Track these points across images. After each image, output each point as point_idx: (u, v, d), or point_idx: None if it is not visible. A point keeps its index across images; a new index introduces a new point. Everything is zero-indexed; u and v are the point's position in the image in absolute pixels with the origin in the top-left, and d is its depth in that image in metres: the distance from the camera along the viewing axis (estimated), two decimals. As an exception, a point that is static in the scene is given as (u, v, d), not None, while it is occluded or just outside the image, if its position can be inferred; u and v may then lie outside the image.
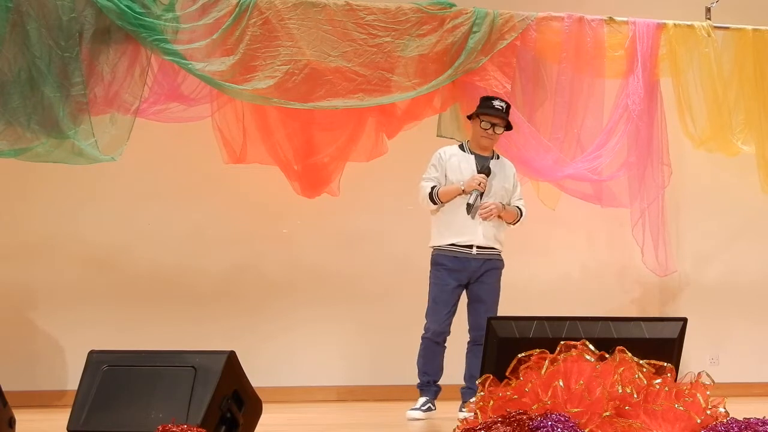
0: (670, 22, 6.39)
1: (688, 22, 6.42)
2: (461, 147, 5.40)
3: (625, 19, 6.34)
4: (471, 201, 5.12)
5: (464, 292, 5.31)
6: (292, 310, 6.43)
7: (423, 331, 5.26)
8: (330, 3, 5.92)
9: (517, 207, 5.38)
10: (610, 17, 6.33)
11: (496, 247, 5.26)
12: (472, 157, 5.30)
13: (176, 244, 6.35)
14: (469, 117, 5.41)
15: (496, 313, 5.21)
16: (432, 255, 5.30)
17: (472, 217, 5.16)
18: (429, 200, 5.23)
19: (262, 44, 5.78)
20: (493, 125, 5.27)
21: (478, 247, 5.20)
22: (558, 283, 6.73)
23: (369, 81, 5.90)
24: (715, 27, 6.45)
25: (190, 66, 5.63)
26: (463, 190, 5.17)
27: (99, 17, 5.54)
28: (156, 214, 6.35)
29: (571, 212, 6.50)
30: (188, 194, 6.39)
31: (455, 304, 5.25)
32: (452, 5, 6.07)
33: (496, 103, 5.30)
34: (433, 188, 5.24)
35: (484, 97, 5.43)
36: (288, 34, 5.82)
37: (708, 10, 6.49)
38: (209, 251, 6.39)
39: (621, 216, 6.52)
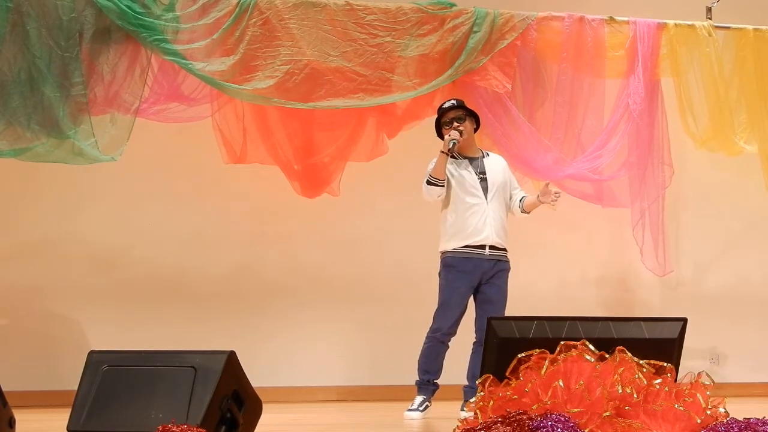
0: (671, 22, 6.38)
1: (689, 22, 6.42)
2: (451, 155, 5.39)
3: (625, 18, 6.34)
4: (450, 146, 5.17)
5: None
6: (292, 310, 6.43)
7: (430, 331, 5.26)
8: (330, 3, 5.92)
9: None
10: (611, 17, 6.33)
11: (505, 246, 5.30)
12: (465, 161, 5.33)
13: (176, 244, 6.35)
14: (440, 136, 5.37)
15: (504, 314, 5.22)
16: (442, 258, 5.31)
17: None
18: (429, 186, 5.20)
19: (263, 44, 5.78)
20: (454, 119, 5.29)
21: (490, 247, 5.22)
22: (558, 283, 6.73)
23: (369, 81, 5.90)
24: (716, 27, 6.45)
25: (190, 66, 5.63)
26: (444, 152, 5.16)
27: (99, 17, 5.55)
28: (156, 214, 6.35)
29: (571, 212, 6.49)
30: (188, 194, 6.38)
31: (465, 305, 5.28)
32: (452, 5, 6.07)
33: (446, 104, 5.37)
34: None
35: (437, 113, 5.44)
36: (288, 34, 5.82)
37: (709, 9, 6.49)
38: (209, 251, 6.39)
39: (621, 216, 6.52)
